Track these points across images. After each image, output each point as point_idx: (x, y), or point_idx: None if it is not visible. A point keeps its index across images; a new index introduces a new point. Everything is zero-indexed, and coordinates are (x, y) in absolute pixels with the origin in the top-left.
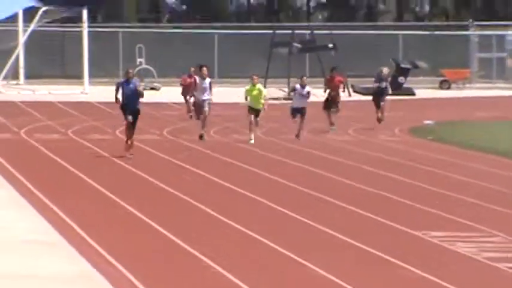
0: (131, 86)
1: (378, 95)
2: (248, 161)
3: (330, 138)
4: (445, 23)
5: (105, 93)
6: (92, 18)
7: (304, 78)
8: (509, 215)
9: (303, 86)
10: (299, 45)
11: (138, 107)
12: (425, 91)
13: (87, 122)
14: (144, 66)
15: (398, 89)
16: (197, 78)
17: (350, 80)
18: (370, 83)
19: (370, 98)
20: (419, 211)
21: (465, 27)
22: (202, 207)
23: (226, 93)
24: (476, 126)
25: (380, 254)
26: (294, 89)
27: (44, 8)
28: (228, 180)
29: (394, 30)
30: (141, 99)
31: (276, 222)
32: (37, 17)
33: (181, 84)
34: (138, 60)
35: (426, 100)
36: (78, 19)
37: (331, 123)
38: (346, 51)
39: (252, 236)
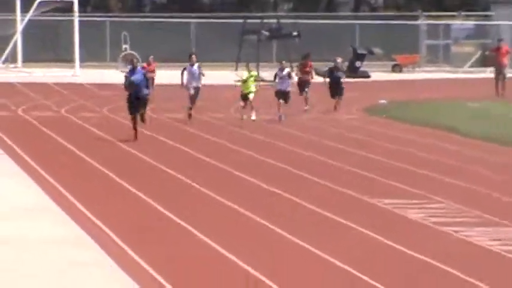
0: (138, 74)
1: (334, 83)
2: (229, 139)
3: (299, 117)
4: (397, 13)
5: (94, 75)
6: (82, 8)
7: (284, 62)
8: (455, 184)
9: (281, 69)
10: (267, 33)
11: (147, 93)
12: (379, 74)
13: (78, 101)
14: (128, 51)
15: (355, 72)
16: (187, 66)
17: (313, 64)
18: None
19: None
20: (376, 181)
21: (415, 17)
22: (186, 180)
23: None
24: (425, 105)
25: (341, 219)
26: (276, 75)
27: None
28: (211, 157)
29: (352, 20)
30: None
31: (254, 195)
32: (33, 7)
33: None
34: (124, 46)
35: (380, 82)
36: (69, 9)
37: (306, 103)
38: (309, 38)
39: (232, 207)
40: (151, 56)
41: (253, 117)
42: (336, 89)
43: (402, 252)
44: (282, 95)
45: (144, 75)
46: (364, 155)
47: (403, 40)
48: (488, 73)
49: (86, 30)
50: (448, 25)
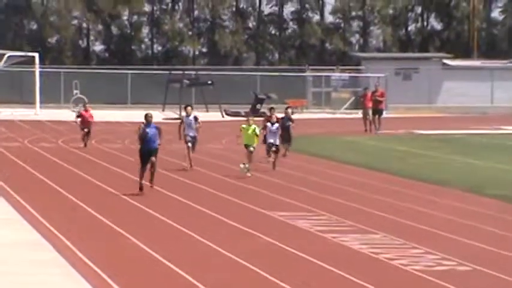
0: (152, 129)
1: (284, 131)
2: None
3: (209, 146)
4: (289, 67)
5: (51, 114)
6: (42, 62)
7: (274, 115)
8: (334, 201)
9: (272, 123)
10: (187, 82)
11: (157, 146)
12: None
13: (38, 134)
14: (78, 95)
15: (256, 113)
16: (184, 117)
17: (223, 106)
18: (238, 108)
19: (239, 118)
20: (271, 197)
21: (303, 70)
22: (101, 184)
23: (136, 115)
24: (311, 139)
25: (244, 228)
26: (265, 127)
27: (8, 54)
28: (126, 171)
29: (254, 71)
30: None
31: (154, 196)
32: (3, 60)
33: (77, 117)
34: (74, 91)
35: None
36: (32, 62)
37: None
38: (220, 86)
39: (131, 203)
40: (87, 103)
41: (247, 165)
42: (285, 136)
43: (294, 253)
44: (271, 146)
45: (157, 128)
46: (265, 177)
47: (293, 87)
48: (360, 114)
49: (44, 78)
50: (329, 76)
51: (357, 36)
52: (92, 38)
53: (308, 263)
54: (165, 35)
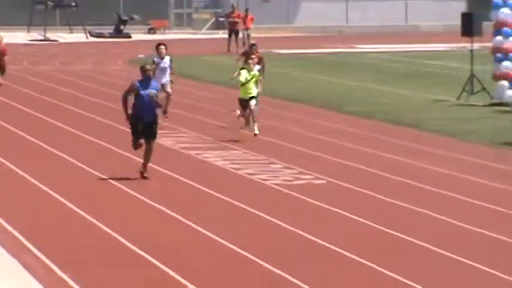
0: (149, 89)
1: None
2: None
3: (75, 68)
4: None
5: None
6: None
7: (254, 56)
8: (193, 118)
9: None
10: (52, 4)
11: (156, 113)
12: (138, 35)
13: None
14: None
15: (119, 33)
16: (155, 59)
17: (87, 27)
18: (102, 29)
19: (103, 39)
20: None
21: None
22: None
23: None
24: (174, 59)
25: (108, 146)
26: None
27: None
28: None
29: None
30: None
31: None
32: None
33: None
34: None
35: (139, 41)
36: None
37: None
38: (85, 8)
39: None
40: (2, 34)
41: (256, 130)
42: None
43: (158, 170)
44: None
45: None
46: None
47: (155, 9)
48: (221, 34)
49: None
50: None
51: None
52: None
53: (171, 179)
54: None
